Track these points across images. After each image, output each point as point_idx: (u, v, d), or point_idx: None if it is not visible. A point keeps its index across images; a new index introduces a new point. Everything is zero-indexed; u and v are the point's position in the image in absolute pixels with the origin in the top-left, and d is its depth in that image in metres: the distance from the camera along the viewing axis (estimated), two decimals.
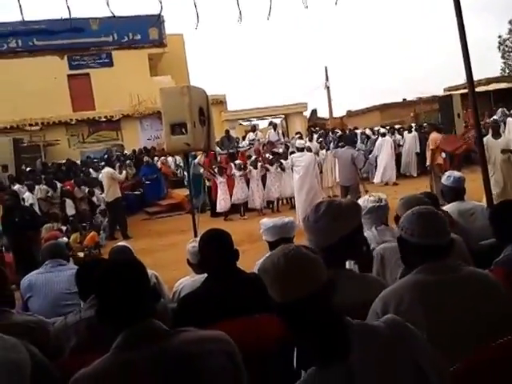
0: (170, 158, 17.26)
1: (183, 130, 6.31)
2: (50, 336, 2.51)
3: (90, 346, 2.24)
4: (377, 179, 14.95)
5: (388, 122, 19.73)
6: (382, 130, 15.92)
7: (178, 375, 1.59)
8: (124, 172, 12.86)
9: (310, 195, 9.99)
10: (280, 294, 1.46)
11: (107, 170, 12.37)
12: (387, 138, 15.39)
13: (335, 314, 1.48)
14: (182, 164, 16.88)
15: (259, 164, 12.99)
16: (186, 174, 16.10)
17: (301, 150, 10.60)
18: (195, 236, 6.28)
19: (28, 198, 11.26)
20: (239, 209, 12.72)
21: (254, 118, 22.46)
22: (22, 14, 3.98)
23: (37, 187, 12.13)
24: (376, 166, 15.20)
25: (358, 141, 16.28)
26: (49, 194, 12.09)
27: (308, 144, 12.78)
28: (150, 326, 1.67)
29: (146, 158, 16.63)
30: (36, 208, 10.85)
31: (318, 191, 10.53)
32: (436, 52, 79.44)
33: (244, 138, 17.59)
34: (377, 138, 15.81)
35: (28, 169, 14.83)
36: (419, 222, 2.07)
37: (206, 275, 3.60)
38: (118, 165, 14.22)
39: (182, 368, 1.59)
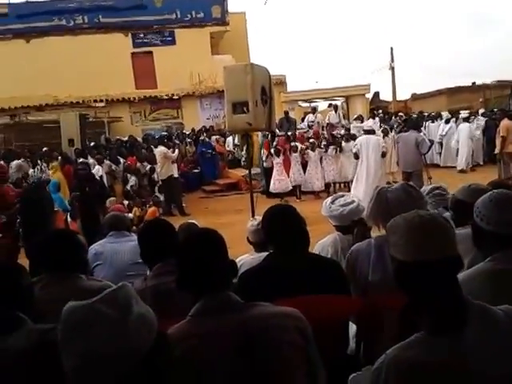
0: (230, 138, 17.35)
1: (245, 109, 6.29)
2: None
3: (155, 313, 2.28)
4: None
5: (455, 107, 18.94)
6: (464, 115, 15.37)
7: (254, 346, 1.62)
8: (177, 151, 13.06)
9: (376, 180, 9.80)
10: (411, 250, 1.44)
11: (160, 148, 12.61)
12: (465, 123, 14.82)
13: (459, 286, 1.47)
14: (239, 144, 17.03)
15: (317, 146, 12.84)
16: (243, 153, 16.35)
17: (368, 132, 10.39)
18: (253, 215, 6.32)
19: (98, 170, 11.66)
20: (295, 191, 12.64)
21: (313, 99, 22.15)
22: None
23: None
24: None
25: (449, 125, 15.70)
26: (112, 169, 12.45)
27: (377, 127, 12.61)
28: (227, 297, 1.71)
29: (202, 137, 16.82)
30: (105, 181, 11.31)
31: (382, 175, 10.32)
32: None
33: (303, 120, 17.39)
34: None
35: (92, 144, 15.29)
36: (496, 210, 1.92)
37: (265, 253, 3.65)
38: (172, 143, 14.35)
39: (258, 339, 1.63)
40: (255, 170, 11.55)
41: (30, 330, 1.69)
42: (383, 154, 10.20)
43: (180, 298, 1.80)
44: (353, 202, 3.47)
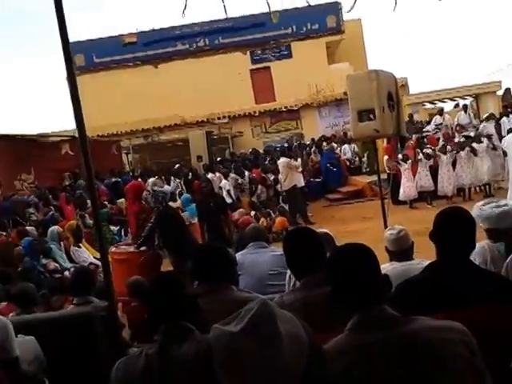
0: (346, 146, 17.26)
1: (371, 116, 6.19)
2: None
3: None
4: None
5: None
6: None
7: (415, 361, 1.58)
8: (299, 159, 13.17)
9: None
10: None
11: (284, 159, 12.77)
12: None
13: None
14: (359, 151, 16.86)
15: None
16: (364, 160, 16.11)
17: None
18: (384, 223, 6.19)
19: (225, 185, 12.22)
20: (425, 196, 12.15)
21: (438, 100, 21.21)
22: (225, 11, 4.25)
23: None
24: None
25: None
26: (238, 182, 12.94)
27: None
28: (384, 311, 1.68)
29: (326, 146, 16.86)
30: (232, 194, 11.81)
31: None
32: None
33: (429, 122, 16.71)
34: None
35: (218, 159, 16.03)
36: None
37: (406, 263, 3.53)
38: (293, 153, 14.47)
39: (420, 354, 1.58)
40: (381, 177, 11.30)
41: (199, 340, 1.75)
42: None
43: (329, 310, 1.79)
44: (506, 205, 3.24)
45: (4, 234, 8.27)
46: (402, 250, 3.53)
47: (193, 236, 7.61)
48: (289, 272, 3.38)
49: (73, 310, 4.20)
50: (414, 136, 13.42)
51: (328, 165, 15.76)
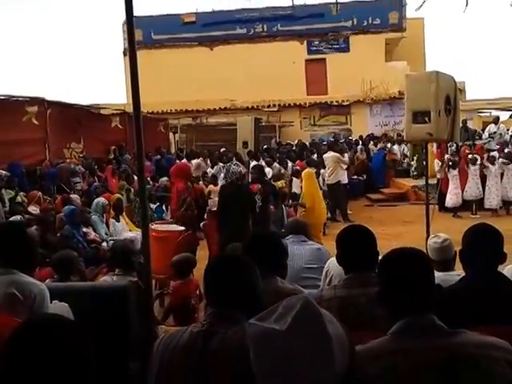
0: (395, 146, 16.93)
1: (426, 119, 6.05)
2: None
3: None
4: None
5: None
6: None
7: (456, 375, 1.53)
8: (346, 155, 12.98)
9: None
10: None
11: (333, 154, 12.62)
12: None
13: None
14: (408, 153, 16.47)
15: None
16: (413, 163, 15.74)
17: None
18: (427, 229, 6.04)
19: (268, 172, 12.21)
20: (471, 206, 11.82)
21: (495, 109, 20.49)
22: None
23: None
24: None
25: None
26: (281, 172, 12.88)
27: None
28: (432, 321, 1.64)
29: (375, 145, 16.60)
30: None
31: None
32: None
33: (483, 131, 16.20)
34: None
35: (264, 146, 15.97)
36: None
37: (447, 273, 3.44)
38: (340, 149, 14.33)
39: (463, 368, 1.53)
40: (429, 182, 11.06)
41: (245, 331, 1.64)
42: None
43: (367, 312, 1.81)
44: None
45: (48, 199, 8.35)
46: (444, 259, 3.46)
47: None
48: (326, 268, 3.44)
49: (109, 283, 4.29)
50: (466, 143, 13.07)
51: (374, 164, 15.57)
